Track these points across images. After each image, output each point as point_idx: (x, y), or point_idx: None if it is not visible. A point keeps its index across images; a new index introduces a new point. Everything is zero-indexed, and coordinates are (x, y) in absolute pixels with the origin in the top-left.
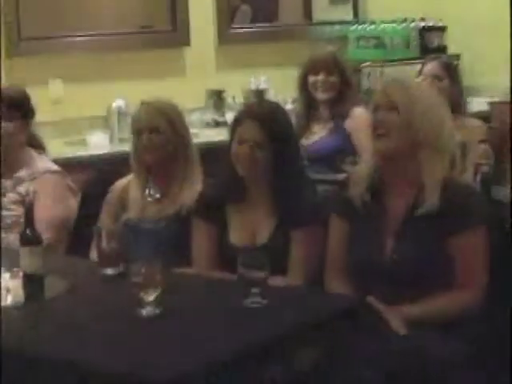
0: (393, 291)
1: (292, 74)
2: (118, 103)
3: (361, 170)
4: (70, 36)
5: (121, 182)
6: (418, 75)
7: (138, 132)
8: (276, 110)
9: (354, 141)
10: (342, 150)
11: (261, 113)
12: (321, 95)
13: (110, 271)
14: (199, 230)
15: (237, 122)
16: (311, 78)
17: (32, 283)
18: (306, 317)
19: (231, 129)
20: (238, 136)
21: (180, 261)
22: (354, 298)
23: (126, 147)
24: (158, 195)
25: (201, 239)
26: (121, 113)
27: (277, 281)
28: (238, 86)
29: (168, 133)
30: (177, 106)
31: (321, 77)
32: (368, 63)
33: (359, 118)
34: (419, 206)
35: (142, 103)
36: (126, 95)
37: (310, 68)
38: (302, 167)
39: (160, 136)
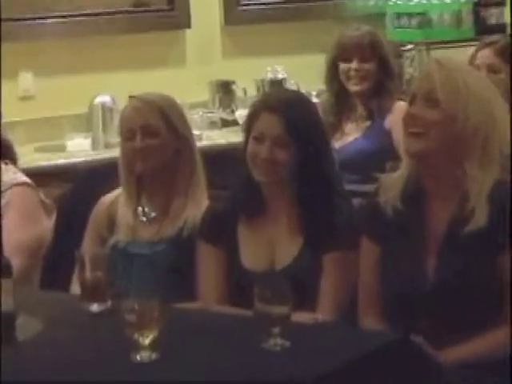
0: (436, 324)
1: (317, 61)
2: (102, 98)
3: (395, 174)
4: (42, 18)
5: (107, 197)
6: (469, 61)
7: (127, 134)
8: (301, 100)
9: (395, 143)
10: (382, 155)
11: (282, 104)
12: (355, 87)
13: (95, 307)
14: (206, 255)
15: (252, 115)
16: (342, 66)
17: (1, 324)
18: (338, 361)
19: (245, 125)
20: (255, 133)
21: (182, 294)
22: (393, 335)
23: (114, 153)
24: (153, 213)
25: (208, 266)
26: (106, 110)
27: (302, 317)
28: (249, 76)
29: (166, 134)
30: (175, 100)
31: (354, 64)
32: (411, 46)
33: (401, 114)
34: (465, 219)
35: (132, 98)
36: (113, 88)
37: (341, 53)
38: (335, 173)
39: (156, 138)
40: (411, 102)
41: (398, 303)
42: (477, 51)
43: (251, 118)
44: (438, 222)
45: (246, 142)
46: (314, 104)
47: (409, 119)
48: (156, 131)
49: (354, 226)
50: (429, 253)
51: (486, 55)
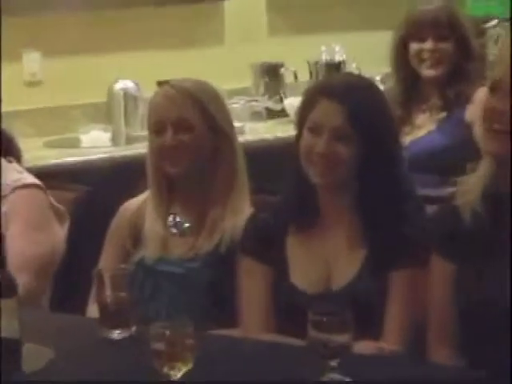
0: None
1: (382, 40)
2: (123, 84)
3: (474, 176)
4: None
5: (132, 203)
6: None
7: (156, 127)
8: (366, 86)
9: (477, 137)
10: (461, 152)
11: (344, 89)
12: (429, 71)
13: (116, 334)
14: (249, 272)
15: (307, 103)
16: (414, 46)
17: (5, 352)
18: None
19: (298, 115)
20: (310, 123)
21: (221, 319)
22: (474, 372)
23: (138, 149)
24: (187, 224)
25: (251, 287)
26: (128, 98)
27: (366, 347)
28: (301, 57)
29: (202, 129)
30: (214, 88)
31: (429, 44)
32: (495, 21)
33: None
34: None
35: (161, 84)
36: (136, 72)
37: (412, 31)
38: (405, 174)
39: (190, 134)
40: (493, 91)
41: (472, 327)
42: None
43: (306, 107)
44: None
45: (299, 135)
46: (381, 91)
47: (490, 113)
48: (191, 125)
49: (426, 238)
50: None
51: None
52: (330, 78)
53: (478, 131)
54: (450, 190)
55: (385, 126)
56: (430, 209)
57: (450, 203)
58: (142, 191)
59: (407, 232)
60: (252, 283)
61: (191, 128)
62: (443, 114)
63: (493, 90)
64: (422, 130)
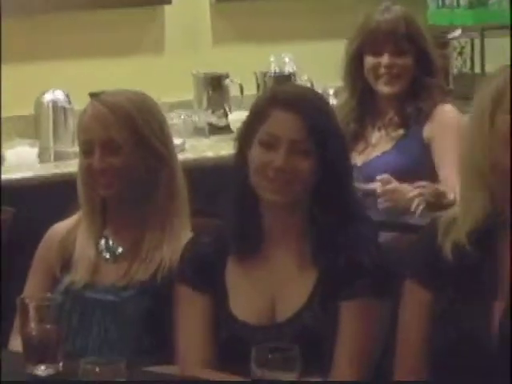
0: None
1: (336, 51)
2: (53, 95)
3: (458, 209)
4: None
5: (61, 226)
6: None
7: (85, 147)
8: (319, 99)
9: (435, 159)
10: (419, 174)
11: (301, 99)
12: (386, 87)
13: (42, 370)
14: (187, 303)
15: (259, 115)
16: (369, 60)
17: None
18: None
19: (247, 128)
20: (263, 136)
21: (156, 354)
22: None
23: (68, 166)
24: (120, 248)
25: (189, 319)
26: (58, 110)
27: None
28: (247, 68)
29: (134, 150)
30: (152, 101)
31: (385, 59)
32: (458, 32)
33: (446, 120)
34: None
35: (93, 98)
36: (68, 82)
37: (367, 43)
38: (357, 196)
39: (119, 156)
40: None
41: (448, 358)
42: None
43: (256, 119)
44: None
45: (244, 150)
46: (330, 105)
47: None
48: (120, 146)
49: (385, 268)
50: (498, 298)
51: None
52: (283, 88)
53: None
54: (409, 216)
55: (338, 141)
56: (387, 236)
57: (430, 230)
58: (72, 213)
59: (361, 259)
60: (190, 315)
61: (120, 148)
62: (400, 132)
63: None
64: (376, 148)
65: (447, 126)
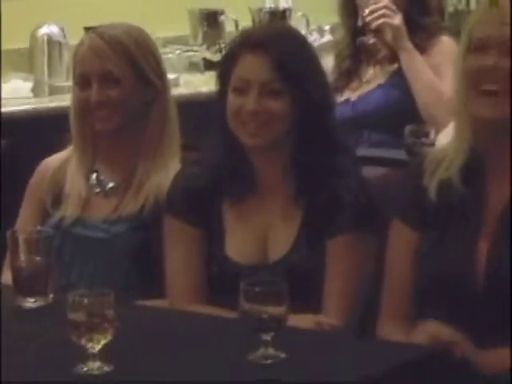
0: (485, 324)
1: None
2: (47, 29)
3: (448, 146)
4: None
5: (53, 160)
6: None
7: (81, 80)
8: (293, 36)
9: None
10: (415, 108)
11: (268, 39)
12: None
13: (32, 302)
14: (177, 237)
15: (229, 59)
16: None
17: None
18: (348, 380)
19: (221, 73)
20: (235, 82)
21: (146, 287)
22: (426, 347)
23: (62, 100)
24: (111, 183)
25: (180, 252)
26: (53, 44)
27: (302, 321)
28: (243, 3)
29: (131, 82)
30: (147, 34)
31: (374, 1)
32: None
33: (443, 49)
34: None
35: (89, 31)
36: (62, 16)
37: None
38: (339, 132)
39: (118, 88)
40: (477, 50)
41: (435, 297)
42: None
43: (227, 63)
44: (497, 200)
45: (223, 95)
46: (309, 43)
47: (477, 74)
48: (118, 78)
49: (369, 204)
50: (482, 237)
51: None
52: (252, 30)
53: (460, 97)
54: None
55: (314, 78)
56: (377, 171)
57: (417, 169)
58: (65, 146)
59: (347, 199)
60: (181, 249)
61: (118, 81)
62: (395, 66)
63: (477, 49)
64: (370, 84)
65: (443, 54)
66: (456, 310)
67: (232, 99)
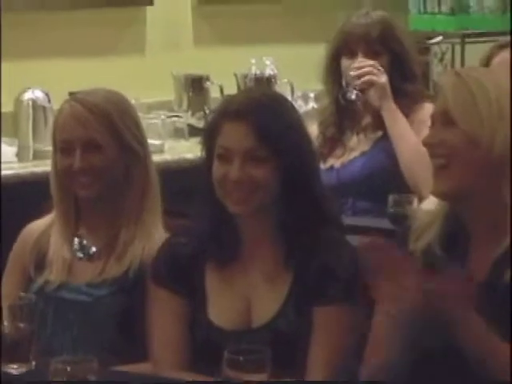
0: None
1: (317, 54)
2: (32, 94)
3: (428, 214)
4: None
5: (36, 225)
6: None
7: (63, 146)
8: (275, 100)
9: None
10: (398, 174)
11: (249, 106)
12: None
13: (14, 369)
14: (162, 306)
15: (213, 128)
16: (345, 63)
17: None
18: None
19: (205, 140)
20: (219, 150)
21: (129, 351)
22: None
23: (46, 165)
24: (94, 248)
25: (164, 321)
26: (37, 109)
27: None
28: (228, 70)
29: (113, 148)
30: (125, 99)
31: (361, 60)
32: (440, 38)
33: (425, 117)
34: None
35: (71, 97)
36: (48, 81)
37: (344, 45)
38: (327, 198)
39: (101, 155)
40: (432, 124)
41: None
42: (491, 56)
43: (211, 133)
44: (479, 268)
45: (210, 164)
46: (294, 108)
47: (432, 148)
48: (100, 145)
49: (356, 273)
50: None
51: (504, 59)
52: (232, 98)
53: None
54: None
55: (298, 144)
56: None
57: (402, 237)
58: (49, 211)
59: (332, 265)
60: (164, 316)
61: (100, 148)
62: (379, 134)
63: (432, 122)
64: (354, 151)
65: (425, 120)
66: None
67: (217, 167)
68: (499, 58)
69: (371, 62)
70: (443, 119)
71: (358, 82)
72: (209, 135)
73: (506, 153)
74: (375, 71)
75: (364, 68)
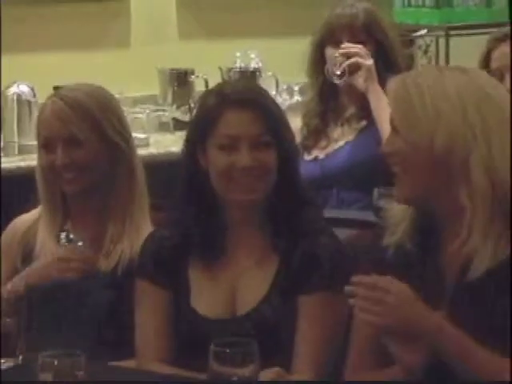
0: None
1: (302, 47)
2: (17, 88)
3: (401, 209)
4: None
5: (23, 219)
6: (481, 64)
7: (46, 144)
8: (263, 90)
9: None
10: (380, 165)
11: (254, 94)
12: (342, 77)
13: (2, 363)
14: (147, 299)
15: (209, 116)
16: (330, 52)
17: None
18: None
19: (194, 131)
20: (221, 140)
21: (118, 346)
22: None
23: (32, 160)
24: (80, 242)
25: (149, 314)
26: (22, 104)
27: (271, 375)
28: (213, 63)
29: (96, 144)
30: (109, 94)
31: (347, 44)
32: (424, 31)
33: None
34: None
35: (54, 93)
36: (32, 76)
37: (328, 34)
38: (308, 187)
39: (82, 150)
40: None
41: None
42: (490, 50)
43: (207, 121)
44: (450, 265)
45: (194, 155)
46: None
47: (385, 156)
48: (81, 141)
49: (342, 261)
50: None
51: (505, 53)
52: (234, 84)
53: None
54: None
55: (288, 129)
56: (344, 232)
57: (380, 231)
58: (35, 206)
59: (319, 252)
60: (149, 308)
61: (81, 144)
62: (363, 123)
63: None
64: (339, 142)
65: None
66: None
67: (220, 158)
68: (498, 52)
69: (358, 46)
70: (392, 126)
71: (346, 62)
72: (203, 126)
73: (450, 153)
74: (362, 53)
75: (352, 49)
